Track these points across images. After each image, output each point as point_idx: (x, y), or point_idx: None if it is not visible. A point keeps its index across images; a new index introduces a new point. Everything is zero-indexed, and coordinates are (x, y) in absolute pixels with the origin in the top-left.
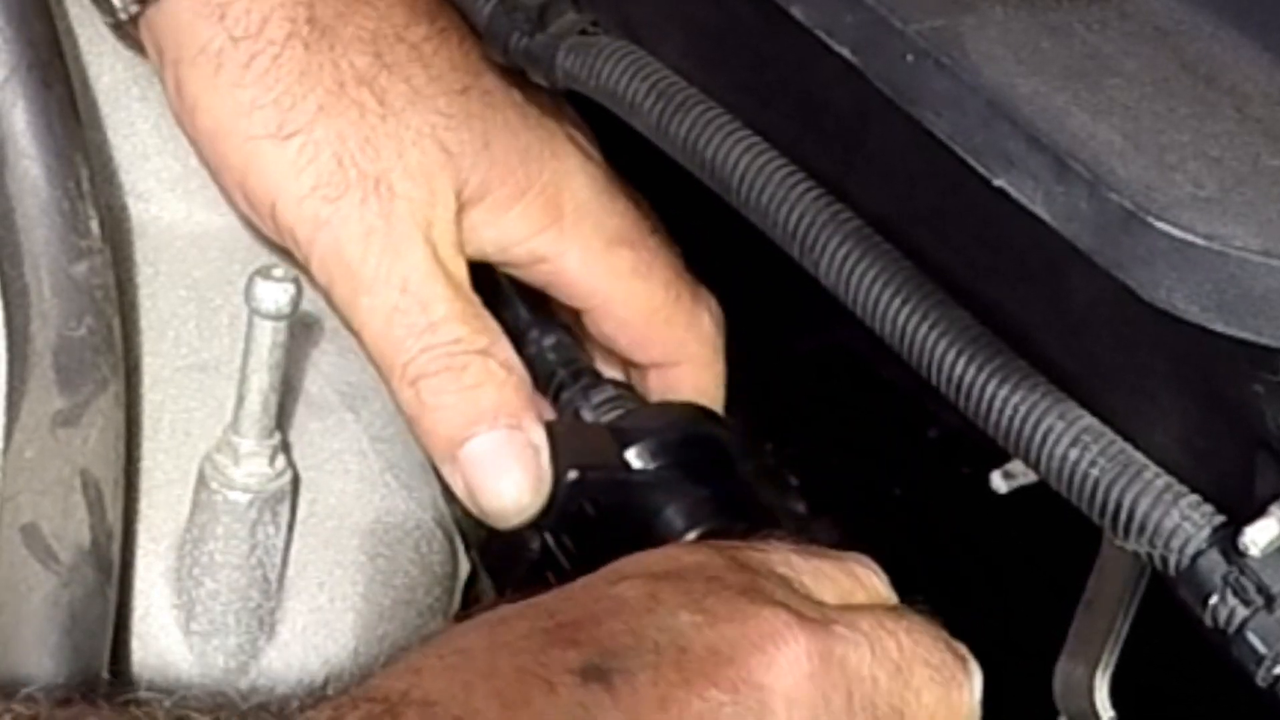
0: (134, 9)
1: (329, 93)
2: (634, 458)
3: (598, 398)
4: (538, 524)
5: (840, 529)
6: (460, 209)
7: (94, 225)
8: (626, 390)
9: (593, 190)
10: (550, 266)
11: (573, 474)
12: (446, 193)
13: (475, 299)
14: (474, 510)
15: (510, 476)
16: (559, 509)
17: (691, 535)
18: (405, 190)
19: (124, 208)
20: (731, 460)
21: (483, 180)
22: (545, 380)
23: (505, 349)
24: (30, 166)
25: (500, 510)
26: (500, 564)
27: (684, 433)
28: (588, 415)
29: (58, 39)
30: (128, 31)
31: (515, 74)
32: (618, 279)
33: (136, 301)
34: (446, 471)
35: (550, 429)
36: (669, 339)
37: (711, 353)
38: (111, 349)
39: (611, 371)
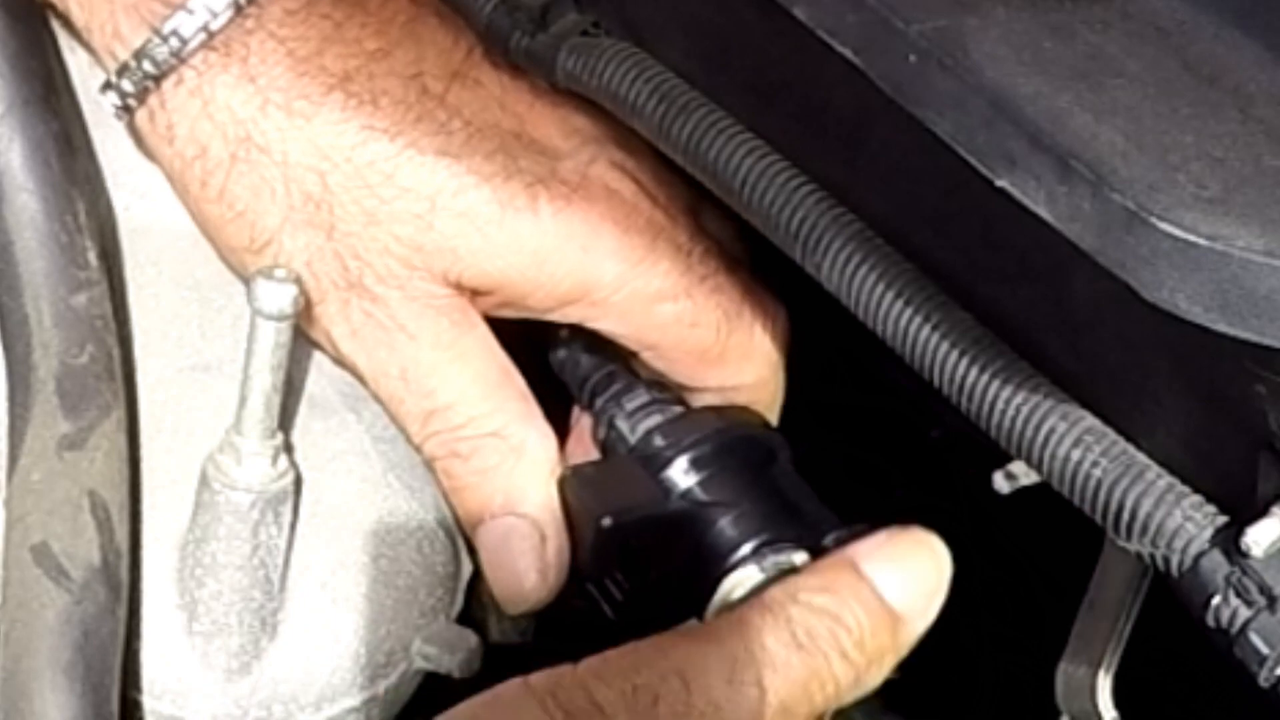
0: (124, 116)
1: (287, 208)
2: (675, 476)
3: (631, 404)
4: (579, 575)
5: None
6: (466, 295)
7: (92, 256)
8: (660, 389)
9: (629, 262)
10: (588, 325)
11: (606, 521)
12: (432, 290)
13: (495, 371)
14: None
15: (512, 568)
16: (596, 558)
17: (745, 549)
18: (386, 293)
19: (127, 208)
20: (774, 456)
21: (474, 282)
22: (578, 385)
23: (521, 427)
24: (28, 200)
25: (504, 598)
26: (547, 615)
27: (721, 440)
28: (623, 424)
29: (53, 74)
30: None
31: (522, 153)
32: (663, 332)
33: (131, 322)
34: (474, 541)
35: (579, 475)
36: (723, 373)
37: (769, 373)
38: (113, 376)
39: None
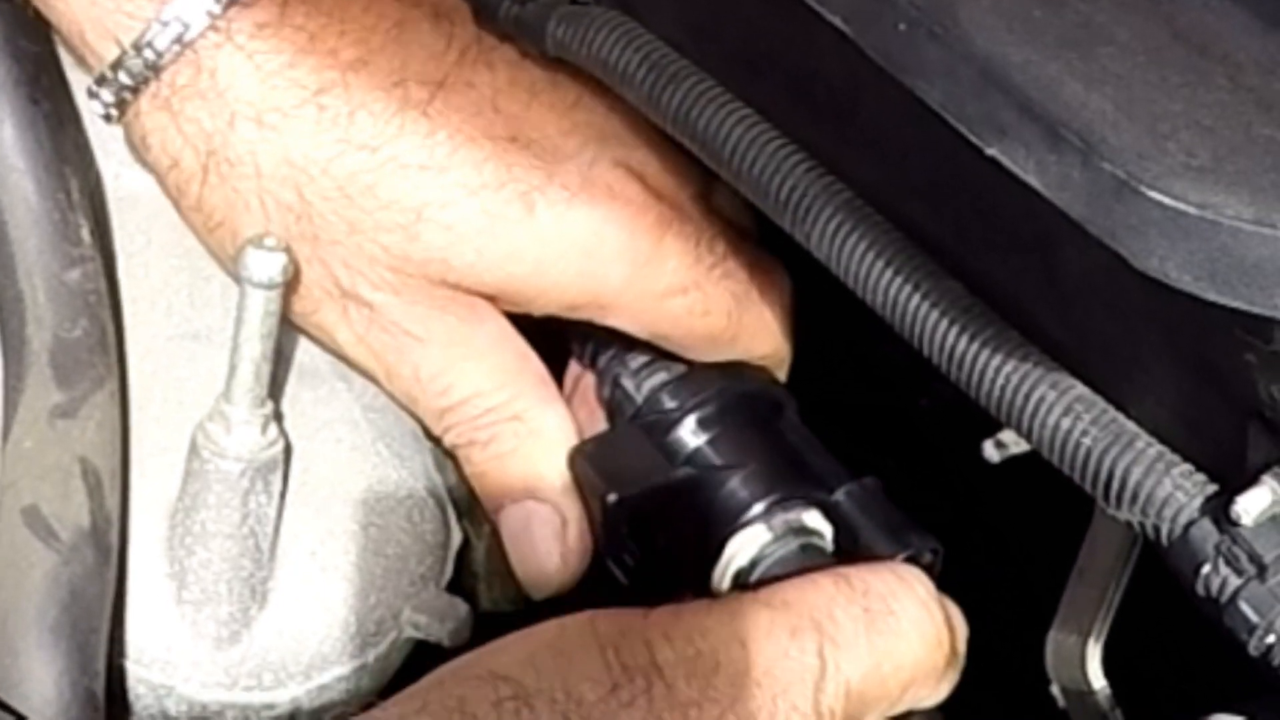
0: (111, 123)
1: (263, 220)
2: (683, 436)
3: (635, 363)
4: (594, 551)
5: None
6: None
7: (85, 233)
8: (659, 351)
9: (635, 264)
10: (598, 322)
11: (612, 497)
12: (432, 294)
13: (509, 356)
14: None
15: (537, 553)
16: (607, 534)
17: (755, 510)
18: (381, 300)
19: (117, 176)
20: (780, 410)
21: (474, 288)
22: (579, 342)
23: (539, 410)
24: (20, 180)
25: (528, 582)
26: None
27: (727, 398)
28: (628, 383)
29: (44, 54)
30: None
31: (517, 158)
32: (674, 324)
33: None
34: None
35: (584, 452)
36: (734, 350)
37: (778, 343)
38: (106, 350)
39: None
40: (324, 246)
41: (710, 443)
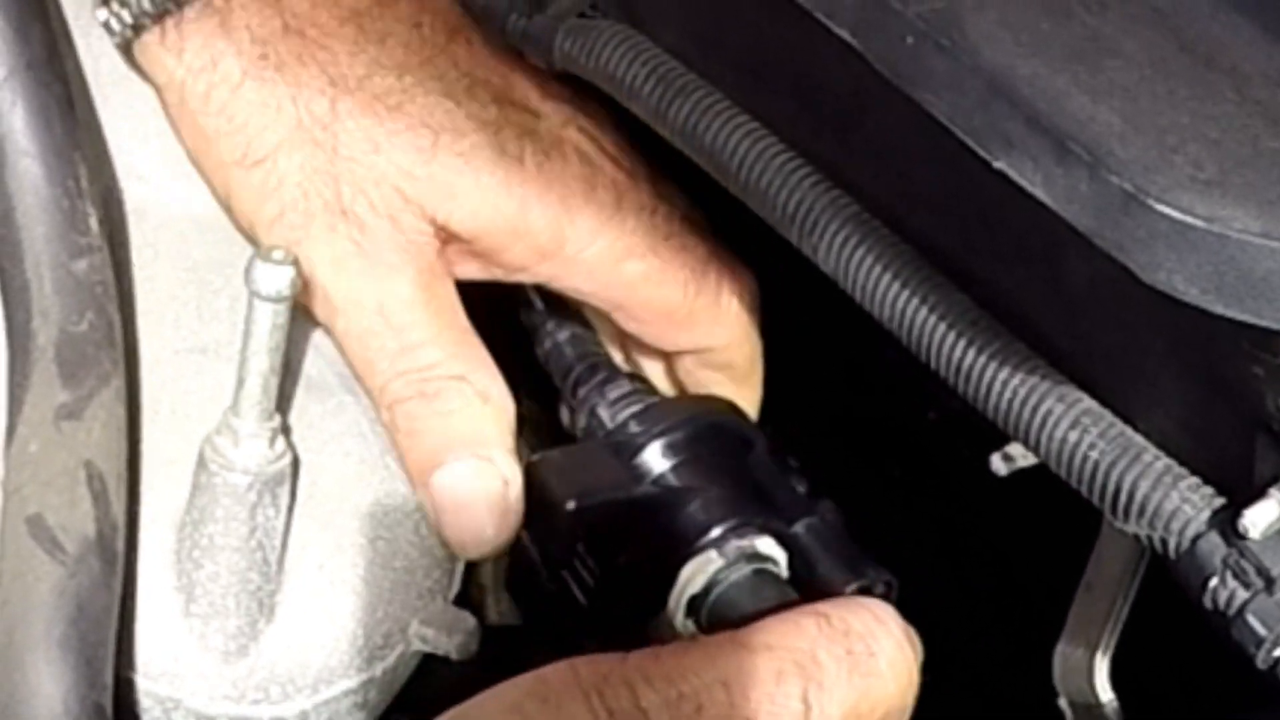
0: (129, 34)
1: (288, 129)
2: (649, 460)
3: (614, 393)
4: (549, 560)
5: (840, 511)
6: (444, 242)
7: (93, 222)
8: (642, 383)
9: (599, 218)
10: (556, 285)
11: (571, 504)
12: (419, 226)
13: (462, 323)
14: (441, 539)
15: (473, 511)
16: (563, 542)
17: (711, 534)
18: (375, 223)
19: (124, 190)
20: (750, 445)
21: (460, 226)
22: (562, 375)
23: (486, 377)
24: (30, 165)
25: (460, 544)
26: (520, 596)
27: (695, 427)
28: (604, 412)
29: (56, 38)
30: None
31: (509, 109)
32: (630, 290)
33: (134, 296)
34: (419, 496)
35: (546, 460)
36: (693, 332)
37: (741, 334)
38: (113, 344)
39: (647, 360)
40: (340, 161)
41: (675, 468)
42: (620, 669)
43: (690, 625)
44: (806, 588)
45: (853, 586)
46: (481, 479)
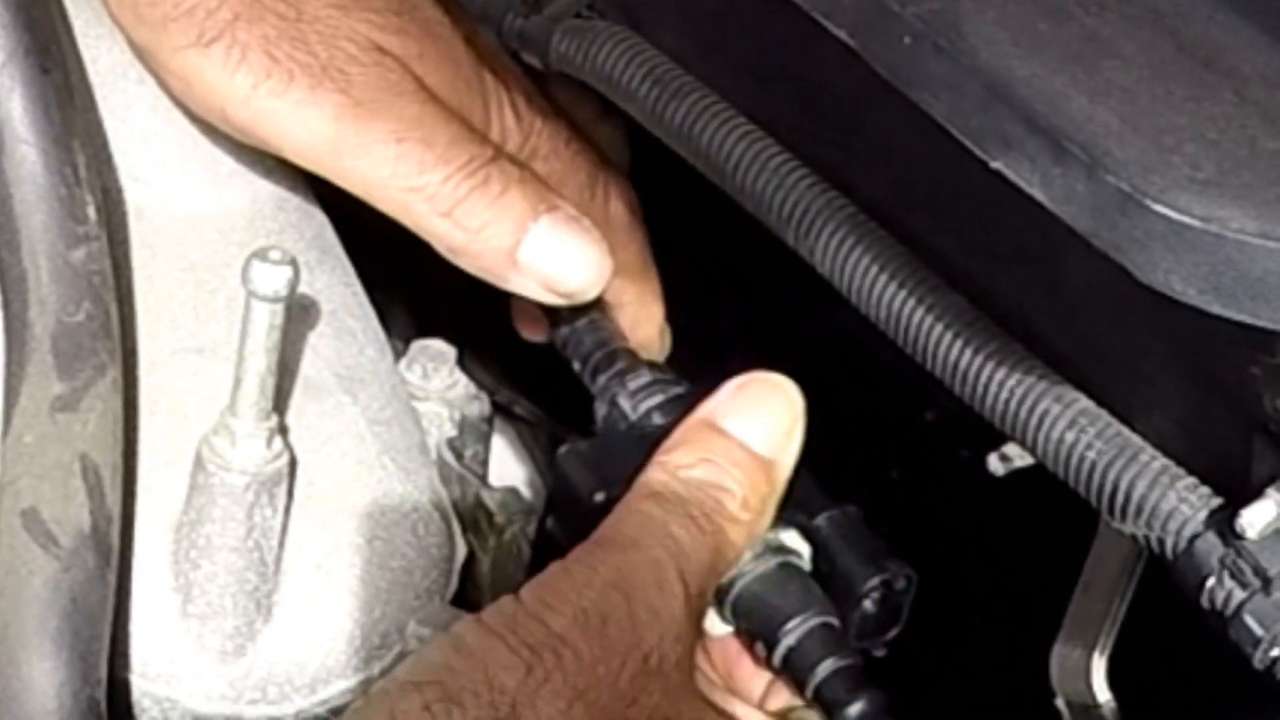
0: None
1: (243, 4)
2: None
3: (634, 384)
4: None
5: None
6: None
7: (91, 211)
8: (661, 372)
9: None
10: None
11: (598, 496)
12: (400, 72)
13: (459, 119)
14: (557, 301)
15: (578, 251)
16: (589, 534)
17: None
18: (357, 70)
19: (121, 190)
20: None
21: (429, 81)
22: (580, 362)
23: (509, 162)
24: (28, 152)
25: (584, 285)
26: None
27: None
28: (625, 403)
29: (55, 24)
30: None
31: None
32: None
33: (133, 286)
34: (514, 284)
35: (573, 451)
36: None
37: (626, 235)
38: (109, 334)
39: None
40: (309, 21)
41: None
42: (521, 606)
43: (715, 618)
44: (828, 580)
45: (874, 580)
46: (563, 224)
